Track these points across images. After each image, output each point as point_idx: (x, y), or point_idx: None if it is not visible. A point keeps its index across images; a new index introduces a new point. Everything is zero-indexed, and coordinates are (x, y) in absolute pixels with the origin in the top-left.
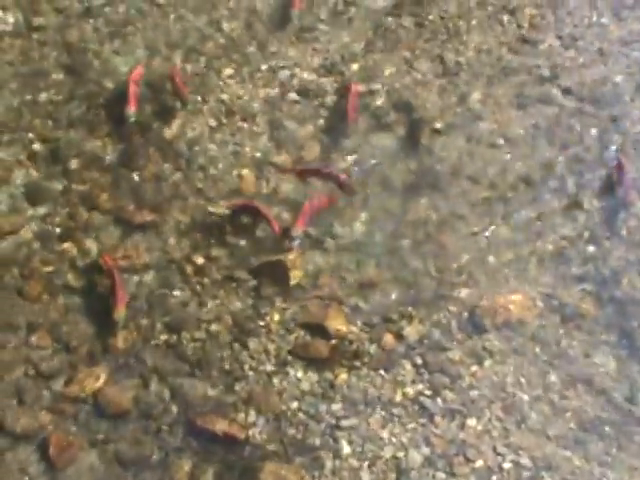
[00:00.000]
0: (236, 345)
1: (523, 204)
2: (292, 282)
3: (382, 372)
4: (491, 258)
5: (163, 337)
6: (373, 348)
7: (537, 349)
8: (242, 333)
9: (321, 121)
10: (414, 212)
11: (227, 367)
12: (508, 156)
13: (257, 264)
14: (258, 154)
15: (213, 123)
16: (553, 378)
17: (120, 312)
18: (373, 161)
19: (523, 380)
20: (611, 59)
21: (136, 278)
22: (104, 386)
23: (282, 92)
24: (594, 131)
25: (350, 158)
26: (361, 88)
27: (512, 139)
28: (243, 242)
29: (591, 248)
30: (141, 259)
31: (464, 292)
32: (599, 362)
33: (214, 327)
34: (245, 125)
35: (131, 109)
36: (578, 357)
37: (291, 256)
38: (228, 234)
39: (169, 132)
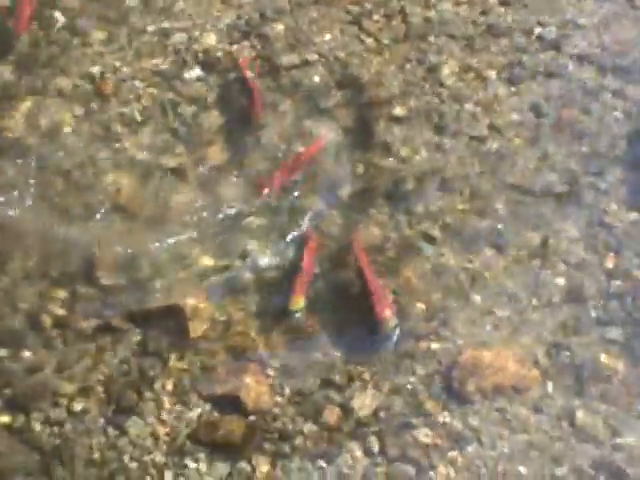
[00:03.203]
0: (111, 428)
1: (520, 220)
2: (193, 336)
3: (321, 461)
4: (475, 297)
5: (3, 419)
6: (308, 427)
7: (542, 425)
8: (120, 409)
9: (233, 106)
10: (365, 232)
11: (98, 459)
12: (496, 152)
13: (143, 309)
14: (142, 154)
15: (79, 110)
16: (565, 468)
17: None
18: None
19: (523, 470)
20: None
21: None
22: None
23: (177, 65)
24: (619, 115)
25: (273, 156)
26: (288, 60)
27: (502, 128)
28: (123, 278)
29: (617, 282)
30: None
31: (437, 344)
32: (631, 443)
33: (80, 402)
34: (125, 111)
35: None
36: (601, 436)
37: (192, 300)
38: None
39: (11, 122)
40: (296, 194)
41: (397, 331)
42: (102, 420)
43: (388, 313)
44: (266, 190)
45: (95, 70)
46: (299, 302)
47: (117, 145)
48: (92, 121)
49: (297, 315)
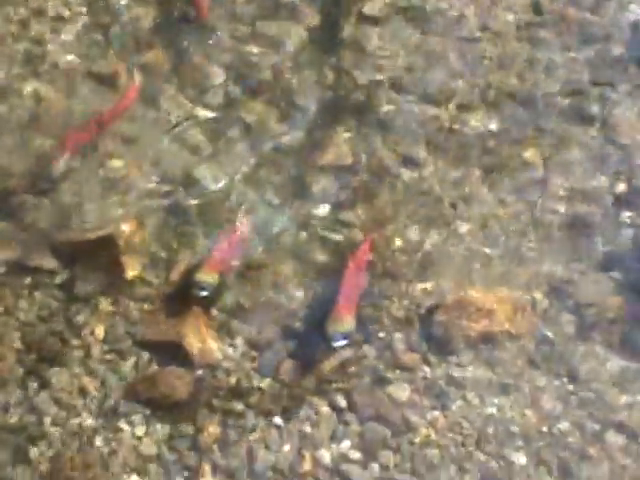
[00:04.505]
0: (31, 381)
1: (516, 136)
2: (129, 274)
3: (279, 421)
4: (462, 228)
5: None
6: (266, 382)
7: (538, 379)
8: (41, 360)
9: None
10: (333, 153)
11: (14, 420)
12: (489, 57)
13: (68, 242)
14: (67, 59)
15: None
16: (566, 424)
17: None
18: (264, 69)
19: (516, 430)
20: None
21: None
22: None
23: None
24: (634, 14)
25: (223, 63)
26: None
27: (496, 29)
28: (43, 203)
29: (626, 212)
30: None
31: (416, 285)
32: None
33: None
34: (45, 5)
35: None
36: (607, 392)
37: (127, 231)
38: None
39: None
40: (249, 108)
41: (346, 340)
42: (19, 369)
43: (345, 316)
44: (60, 157)
45: None
46: (204, 277)
47: (37, 47)
48: (5, 18)
49: (203, 292)
